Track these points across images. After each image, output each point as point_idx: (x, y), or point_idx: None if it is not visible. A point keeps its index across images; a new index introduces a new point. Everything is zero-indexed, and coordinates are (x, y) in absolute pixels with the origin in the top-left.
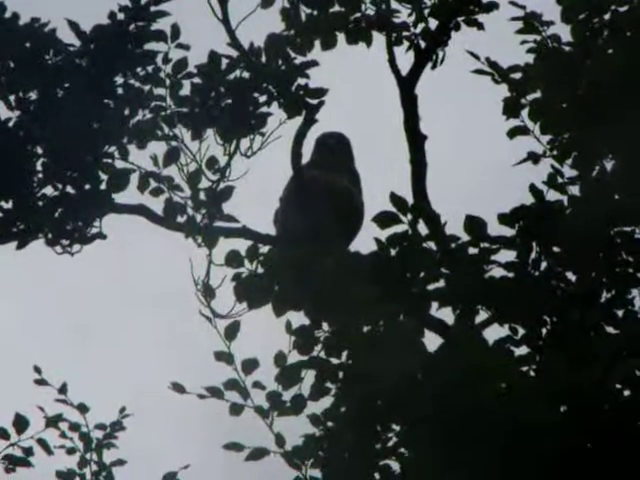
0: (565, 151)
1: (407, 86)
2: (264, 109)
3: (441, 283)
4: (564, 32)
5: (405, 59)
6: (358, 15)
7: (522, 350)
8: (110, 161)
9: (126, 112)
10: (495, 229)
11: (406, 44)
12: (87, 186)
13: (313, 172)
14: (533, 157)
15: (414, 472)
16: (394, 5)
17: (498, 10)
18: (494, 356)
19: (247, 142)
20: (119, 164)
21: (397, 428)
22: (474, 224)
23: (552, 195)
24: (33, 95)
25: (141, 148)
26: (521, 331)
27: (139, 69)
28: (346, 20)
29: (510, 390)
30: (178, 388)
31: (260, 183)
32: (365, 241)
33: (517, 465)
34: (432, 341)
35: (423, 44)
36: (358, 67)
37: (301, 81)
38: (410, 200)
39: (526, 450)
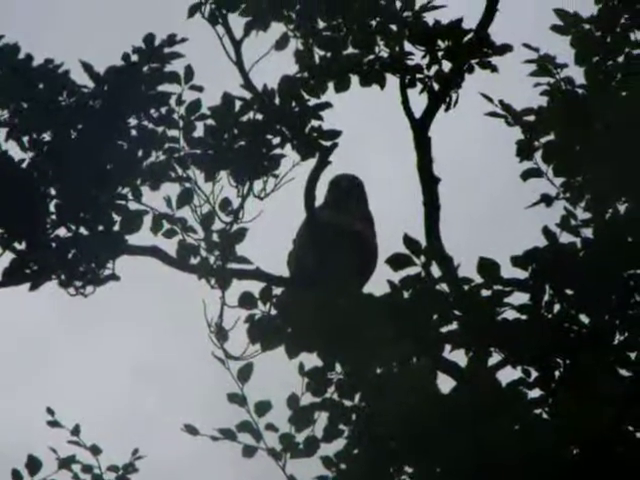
0: (578, 193)
1: (420, 128)
2: (277, 151)
3: (454, 325)
4: (578, 74)
5: (419, 101)
6: (372, 57)
7: (535, 393)
8: (123, 202)
9: (139, 153)
10: (508, 271)
11: (419, 86)
12: (100, 227)
13: (326, 214)
14: (546, 199)
15: None
16: (408, 47)
17: (512, 52)
18: (507, 397)
19: (260, 184)
20: (132, 205)
21: (410, 470)
22: (487, 266)
23: (565, 237)
24: (47, 136)
25: (154, 189)
26: (534, 373)
27: (152, 110)
28: (360, 62)
29: (523, 431)
30: (191, 430)
31: (273, 225)
32: (379, 283)
33: None
34: (445, 383)
35: (437, 86)
36: (372, 109)
37: (314, 123)
38: (423, 242)
39: None
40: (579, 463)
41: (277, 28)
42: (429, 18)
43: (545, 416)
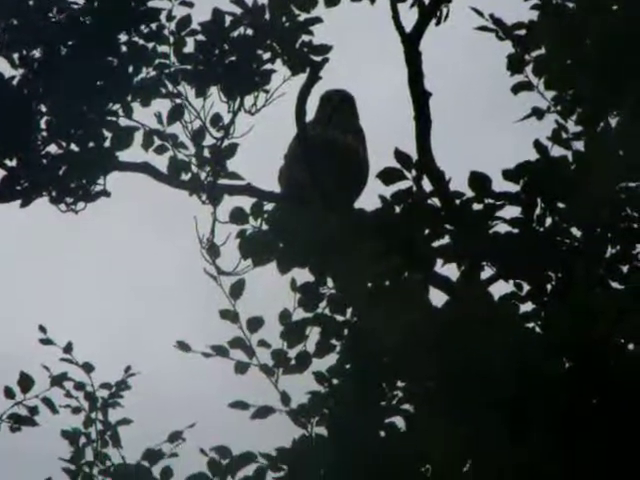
0: (569, 107)
1: (411, 43)
2: (268, 66)
3: (446, 239)
4: None
5: (409, 16)
6: None
7: (527, 306)
8: (114, 119)
9: (130, 70)
10: (500, 185)
11: (410, 0)
12: (91, 144)
13: (317, 129)
14: (537, 113)
15: (419, 429)
16: None
17: None
18: (499, 310)
19: (251, 99)
20: (123, 122)
21: (402, 385)
22: (478, 180)
23: (557, 151)
24: (37, 53)
25: (145, 106)
26: (526, 287)
27: (143, 27)
28: None
29: (516, 344)
30: (183, 346)
31: (264, 140)
32: (370, 199)
33: (522, 418)
34: (437, 298)
35: (427, 0)
36: (362, 24)
37: (305, 38)
38: (415, 156)
39: (531, 403)
40: (571, 376)
41: None
42: None
43: (537, 329)
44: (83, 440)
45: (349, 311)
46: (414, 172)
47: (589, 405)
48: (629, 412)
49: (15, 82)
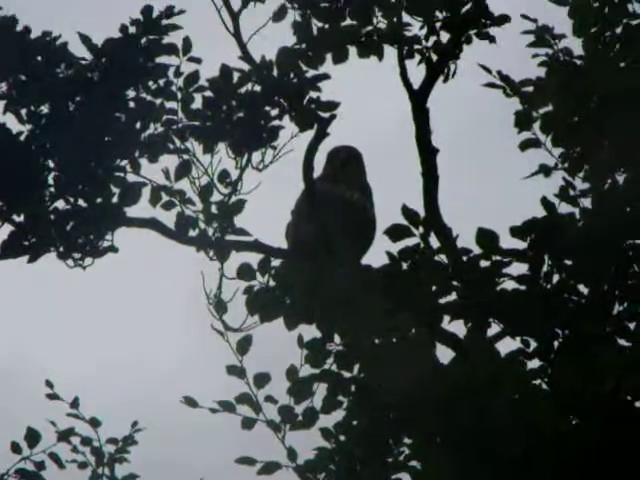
0: (577, 164)
1: (419, 99)
2: (276, 122)
3: (453, 296)
4: (576, 45)
5: (417, 72)
6: (369, 28)
7: (534, 363)
8: (122, 175)
9: (138, 126)
10: (507, 242)
11: (418, 57)
12: (99, 200)
13: (325, 185)
14: (544, 170)
15: None
16: (406, 18)
17: (510, 23)
18: (506, 367)
19: (259, 155)
20: (131, 178)
21: (409, 441)
22: (486, 237)
23: (564, 208)
24: (45, 109)
25: (153, 162)
26: (533, 344)
27: (151, 82)
28: (358, 33)
29: (522, 401)
30: (190, 402)
31: (272, 196)
32: (377, 255)
33: (530, 475)
34: (444, 354)
35: (435, 57)
36: (370, 81)
37: (313, 94)
38: (422, 213)
39: (539, 460)
40: (578, 433)
41: None
42: None
43: (544, 386)
44: None
45: (356, 367)
46: (421, 229)
47: (597, 461)
48: (637, 468)
49: (23, 137)
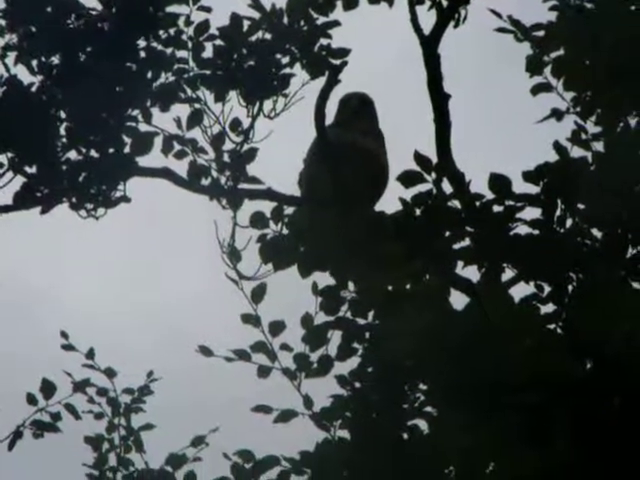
0: (589, 108)
1: (430, 45)
2: (287, 70)
3: (466, 242)
4: None
5: (427, 18)
6: None
7: (548, 308)
8: (133, 124)
9: (149, 75)
10: (520, 187)
11: (428, 3)
12: (111, 150)
13: (337, 132)
14: (557, 114)
15: (440, 432)
16: None
17: None
18: (521, 313)
19: (270, 104)
20: (142, 127)
21: (424, 387)
22: (499, 182)
23: (576, 152)
24: (55, 60)
25: (164, 111)
26: (547, 289)
27: (161, 32)
28: None
29: (536, 347)
30: (205, 351)
31: (284, 144)
32: (390, 201)
33: (545, 421)
34: (458, 300)
35: (445, 3)
36: (380, 27)
37: (323, 41)
38: (434, 159)
39: (553, 406)
40: (593, 378)
41: None
42: None
43: (559, 331)
44: (106, 446)
45: (370, 314)
46: (434, 175)
47: (612, 407)
48: None
49: (34, 89)
